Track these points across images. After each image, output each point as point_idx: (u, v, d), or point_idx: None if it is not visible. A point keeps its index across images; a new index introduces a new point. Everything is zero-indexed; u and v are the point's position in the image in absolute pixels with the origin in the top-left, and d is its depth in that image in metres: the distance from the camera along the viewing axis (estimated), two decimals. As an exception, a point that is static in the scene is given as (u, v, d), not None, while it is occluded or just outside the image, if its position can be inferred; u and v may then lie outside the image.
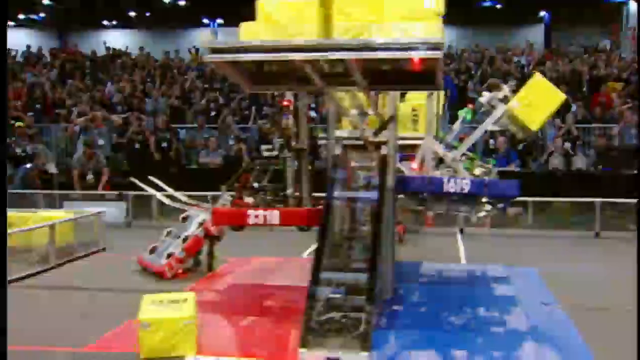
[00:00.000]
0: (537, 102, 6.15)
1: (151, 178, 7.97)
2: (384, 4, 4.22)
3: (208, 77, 18.53)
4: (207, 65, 18.72)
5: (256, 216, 6.11)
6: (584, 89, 15.01)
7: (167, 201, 7.22)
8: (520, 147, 11.55)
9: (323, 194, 8.30)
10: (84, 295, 6.53)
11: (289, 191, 6.37)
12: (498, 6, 23.75)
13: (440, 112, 6.91)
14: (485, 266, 7.38)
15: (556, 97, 6.28)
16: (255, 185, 6.56)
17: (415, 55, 4.03)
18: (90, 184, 11.72)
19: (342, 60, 4.34)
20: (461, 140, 6.74)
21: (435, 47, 4.05)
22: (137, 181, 7.55)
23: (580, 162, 11.28)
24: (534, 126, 6.26)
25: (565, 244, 9.16)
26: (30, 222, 8.06)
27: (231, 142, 14.15)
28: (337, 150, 6.19)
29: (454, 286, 6.56)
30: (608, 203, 9.71)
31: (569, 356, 4.58)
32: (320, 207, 6.24)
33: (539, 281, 6.73)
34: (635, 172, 10.30)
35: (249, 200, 6.45)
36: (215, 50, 4.29)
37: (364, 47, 4.08)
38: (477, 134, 6.47)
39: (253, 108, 15.82)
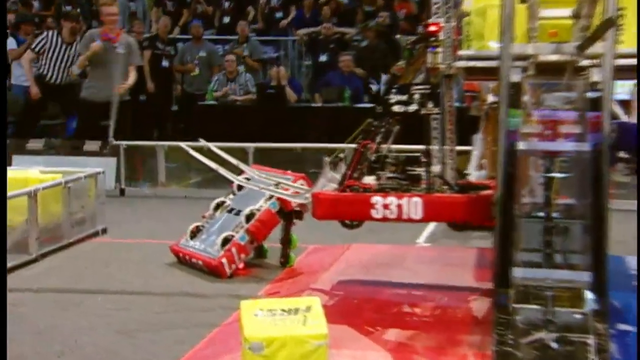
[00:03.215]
0: None
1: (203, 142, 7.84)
2: None
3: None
4: None
5: (386, 206, 6.12)
6: None
7: (238, 180, 7.28)
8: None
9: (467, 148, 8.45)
10: (110, 304, 6.52)
11: (436, 167, 6.35)
12: None
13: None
14: None
15: None
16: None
17: None
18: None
19: None
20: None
21: None
22: (191, 151, 7.42)
23: None
24: None
25: None
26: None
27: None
28: (515, 77, 6.02)
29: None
30: None
31: None
32: (487, 191, 6.32)
33: None
34: None
35: (369, 180, 6.45)
36: None
37: None
38: None
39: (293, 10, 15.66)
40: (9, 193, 7.67)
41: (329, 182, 6.71)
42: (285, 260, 7.47)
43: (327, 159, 6.80)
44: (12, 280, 7.12)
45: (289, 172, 7.64)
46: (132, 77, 11.36)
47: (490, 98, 7.48)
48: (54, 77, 12.44)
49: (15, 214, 7.79)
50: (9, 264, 7.36)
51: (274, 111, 13.11)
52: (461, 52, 6.82)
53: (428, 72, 6.41)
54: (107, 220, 9.01)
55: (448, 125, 6.47)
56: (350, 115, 11.95)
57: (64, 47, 12.44)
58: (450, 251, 7.99)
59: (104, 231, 8.84)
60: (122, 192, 11.19)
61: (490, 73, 6.25)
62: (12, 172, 8.72)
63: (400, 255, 7.86)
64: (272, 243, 7.57)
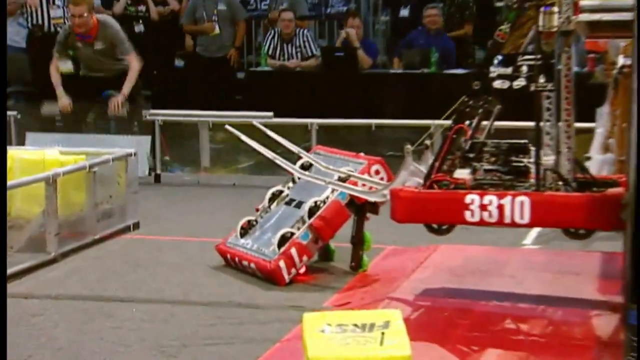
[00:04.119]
0: None
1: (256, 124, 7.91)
2: None
3: None
4: None
5: (483, 207, 6.12)
6: None
7: (298, 172, 7.39)
8: None
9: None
10: (143, 315, 6.56)
11: (548, 158, 6.25)
12: None
13: None
14: None
15: None
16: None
17: None
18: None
19: None
20: None
21: None
22: (241, 135, 7.49)
23: None
24: None
25: None
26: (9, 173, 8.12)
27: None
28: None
29: None
30: None
31: None
32: (615, 189, 6.21)
33: None
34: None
35: (463, 174, 6.42)
36: None
37: None
38: None
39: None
40: (23, 178, 7.85)
41: (411, 176, 6.68)
42: (357, 264, 7.43)
43: (409, 147, 6.77)
44: (27, 284, 7.27)
45: (361, 154, 7.65)
46: (132, 72, 11.18)
47: (621, 60, 7.48)
48: (46, 24, 12.60)
49: (31, 204, 7.96)
50: (24, 265, 7.50)
51: (342, 79, 13.14)
52: (583, 3, 6.74)
53: (540, 38, 6.30)
54: (140, 213, 9.10)
55: (565, 103, 6.35)
56: (437, 84, 12.02)
57: None
58: (566, 256, 7.84)
59: (136, 226, 8.92)
60: (157, 178, 11.32)
61: (622, 28, 6.13)
62: (26, 153, 8.90)
63: (502, 259, 7.78)
64: (341, 242, 7.54)
